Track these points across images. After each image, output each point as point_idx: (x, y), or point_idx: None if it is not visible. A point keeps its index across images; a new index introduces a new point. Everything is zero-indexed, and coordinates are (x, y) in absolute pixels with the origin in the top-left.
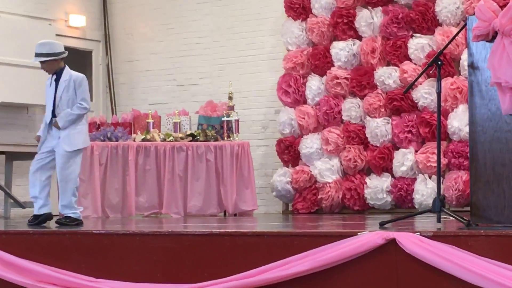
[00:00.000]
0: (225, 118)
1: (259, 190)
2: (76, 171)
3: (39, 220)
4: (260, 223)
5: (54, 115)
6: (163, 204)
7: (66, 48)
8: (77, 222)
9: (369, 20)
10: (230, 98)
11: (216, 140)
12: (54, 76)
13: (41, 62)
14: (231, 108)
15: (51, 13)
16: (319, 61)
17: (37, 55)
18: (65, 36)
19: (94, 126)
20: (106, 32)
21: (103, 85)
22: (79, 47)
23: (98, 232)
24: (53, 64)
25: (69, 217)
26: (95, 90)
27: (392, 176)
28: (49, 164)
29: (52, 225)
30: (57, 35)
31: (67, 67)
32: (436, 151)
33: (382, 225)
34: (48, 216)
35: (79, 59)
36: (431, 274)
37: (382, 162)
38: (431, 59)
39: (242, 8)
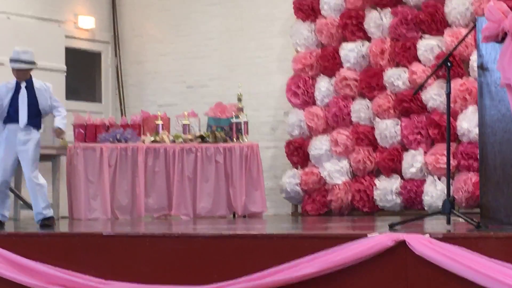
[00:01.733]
0: (234, 120)
1: (268, 192)
2: None
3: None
4: (269, 225)
5: (30, 122)
6: (172, 205)
7: (76, 50)
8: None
9: (378, 21)
10: (239, 99)
11: (225, 141)
12: (25, 83)
13: (21, 69)
14: (240, 109)
15: (60, 15)
16: (328, 63)
17: (23, 61)
18: (74, 37)
19: (104, 128)
20: (115, 34)
21: (112, 86)
22: (88, 48)
23: (107, 234)
24: (29, 73)
25: (52, 217)
26: (104, 91)
27: (402, 177)
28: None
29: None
30: (66, 36)
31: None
32: (445, 153)
33: (391, 227)
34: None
35: (88, 61)
36: (441, 276)
37: (391, 164)
38: (441, 61)
39: (251, 9)
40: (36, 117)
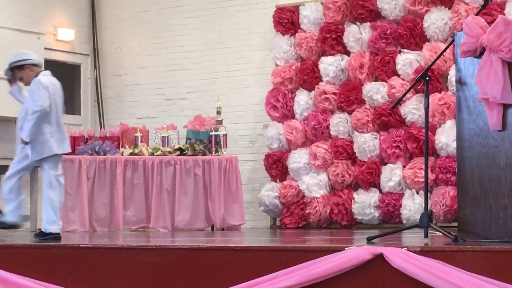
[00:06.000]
0: (213, 133)
1: (246, 205)
2: None
3: None
4: (247, 238)
5: None
6: (150, 218)
7: (55, 62)
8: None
9: (357, 35)
10: (218, 112)
11: (204, 154)
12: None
13: (13, 73)
14: (219, 122)
15: (39, 27)
16: (308, 76)
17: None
18: (53, 49)
19: (82, 140)
20: (95, 46)
21: (91, 99)
22: (67, 60)
23: (85, 246)
24: (27, 74)
25: None
26: (83, 103)
27: (380, 191)
28: None
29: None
30: (45, 48)
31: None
32: (423, 167)
33: (369, 240)
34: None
35: (67, 73)
36: None
37: (369, 177)
38: (419, 75)
39: (230, 22)
40: None
